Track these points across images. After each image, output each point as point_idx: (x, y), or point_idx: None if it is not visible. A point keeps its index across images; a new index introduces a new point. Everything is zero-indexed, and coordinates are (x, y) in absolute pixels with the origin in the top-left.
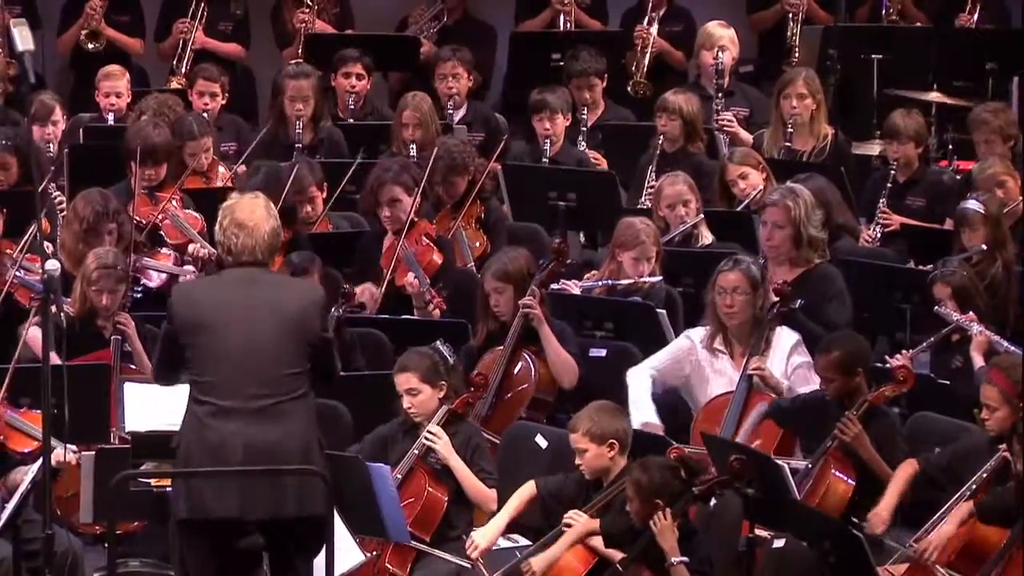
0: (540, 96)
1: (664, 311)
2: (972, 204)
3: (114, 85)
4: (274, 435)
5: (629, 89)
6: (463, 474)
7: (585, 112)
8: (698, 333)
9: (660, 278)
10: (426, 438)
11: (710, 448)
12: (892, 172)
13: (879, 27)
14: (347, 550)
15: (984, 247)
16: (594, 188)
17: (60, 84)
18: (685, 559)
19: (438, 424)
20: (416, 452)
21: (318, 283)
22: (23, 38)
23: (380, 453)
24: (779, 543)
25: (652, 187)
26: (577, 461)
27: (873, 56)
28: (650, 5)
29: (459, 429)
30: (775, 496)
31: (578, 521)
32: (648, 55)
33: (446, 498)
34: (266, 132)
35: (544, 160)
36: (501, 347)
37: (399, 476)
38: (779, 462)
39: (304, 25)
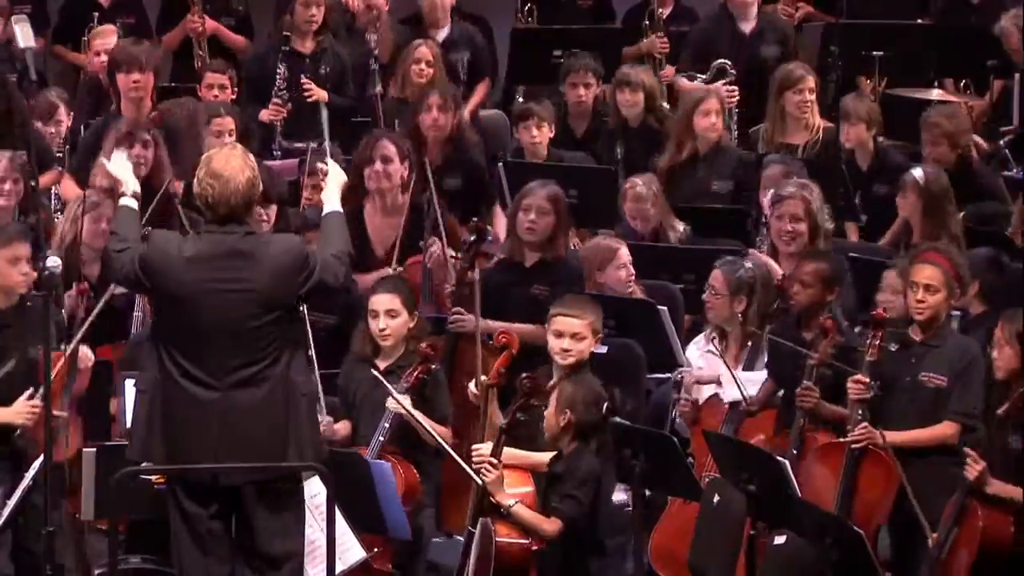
0: (526, 105)
1: (665, 308)
2: (916, 172)
3: (104, 43)
4: (253, 399)
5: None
6: (421, 426)
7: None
8: (691, 350)
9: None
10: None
11: (712, 446)
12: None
13: (880, 24)
14: (348, 547)
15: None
16: (595, 185)
17: (61, 83)
18: (517, 499)
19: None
20: (382, 439)
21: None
22: (24, 35)
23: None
24: (780, 540)
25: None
26: (567, 346)
27: (874, 53)
28: (655, 3)
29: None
30: (776, 493)
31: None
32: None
33: (417, 478)
34: (268, 42)
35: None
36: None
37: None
38: (780, 459)
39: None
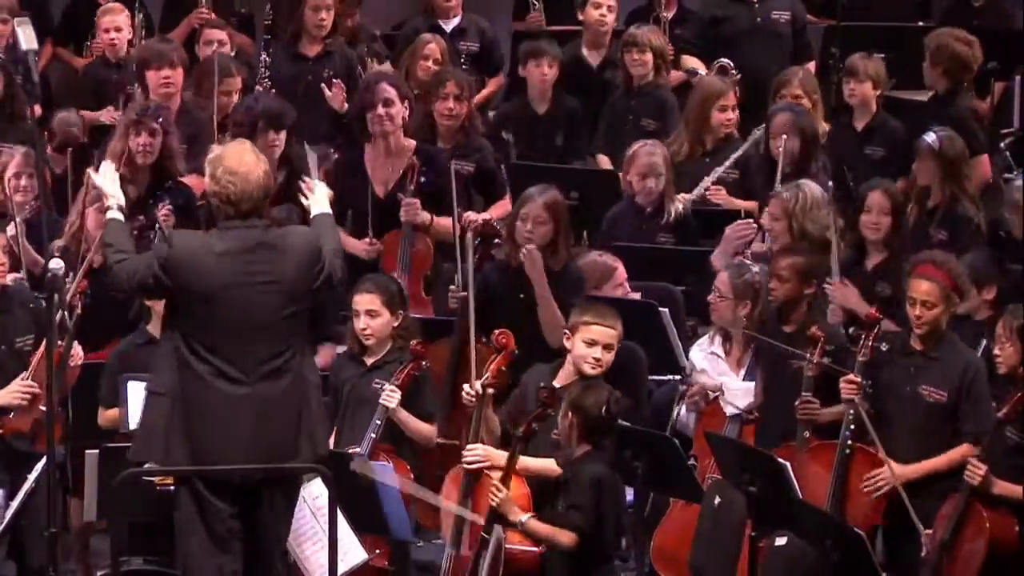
0: (536, 44)
1: (667, 309)
2: (928, 137)
3: (114, 20)
4: (277, 391)
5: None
6: (407, 424)
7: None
8: (694, 353)
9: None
10: (387, 399)
11: (714, 448)
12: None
13: (882, 27)
14: (349, 548)
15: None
16: (597, 186)
17: (62, 86)
18: (530, 514)
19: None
20: (374, 435)
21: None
22: (27, 37)
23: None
24: (781, 541)
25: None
26: (598, 356)
27: (876, 55)
28: (659, 6)
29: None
30: (777, 495)
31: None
32: None
33: (411, 476)
34: (280, 44)
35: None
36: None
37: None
38: (781, 461)
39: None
